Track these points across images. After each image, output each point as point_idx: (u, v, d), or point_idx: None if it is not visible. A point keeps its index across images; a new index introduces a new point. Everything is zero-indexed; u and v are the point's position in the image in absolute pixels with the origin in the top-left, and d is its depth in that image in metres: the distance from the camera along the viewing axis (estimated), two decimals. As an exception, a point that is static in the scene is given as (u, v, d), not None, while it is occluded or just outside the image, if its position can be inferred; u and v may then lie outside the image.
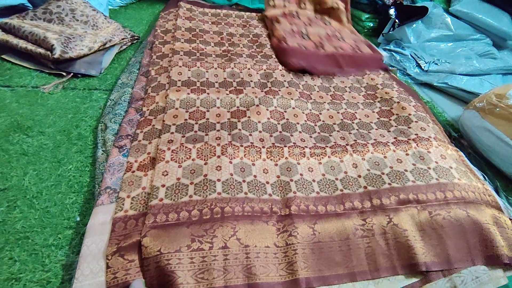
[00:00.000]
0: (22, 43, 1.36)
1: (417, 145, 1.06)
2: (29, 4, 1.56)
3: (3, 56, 1.39)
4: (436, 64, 1.73)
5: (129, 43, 1.65)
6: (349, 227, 0.82)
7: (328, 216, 0.85)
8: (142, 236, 0.71)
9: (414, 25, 1.91)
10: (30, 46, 1.36)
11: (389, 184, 0.93)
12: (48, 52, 1.32)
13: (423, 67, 1.74)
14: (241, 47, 1.58)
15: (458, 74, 1.67)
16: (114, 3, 2.02)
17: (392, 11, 2.02)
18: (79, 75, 1.37)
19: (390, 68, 1.73)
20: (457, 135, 1.35)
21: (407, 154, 1.03)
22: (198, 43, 1.53)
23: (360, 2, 2.25)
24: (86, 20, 1.58)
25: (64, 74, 1.35)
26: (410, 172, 0.97)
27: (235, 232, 0.75)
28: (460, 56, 1.78)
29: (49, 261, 0.74)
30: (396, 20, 1.98)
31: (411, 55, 1.82)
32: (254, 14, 1.94)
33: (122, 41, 1.60)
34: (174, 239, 0.71)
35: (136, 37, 1.69)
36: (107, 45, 1.52)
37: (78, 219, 0.83)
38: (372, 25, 2.18)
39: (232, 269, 0.69)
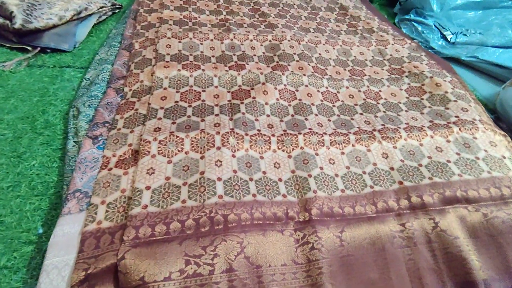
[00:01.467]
0: (-25, 11, 1.12)
1: (459, 129, 0.87)
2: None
3: (-46, 28, 1.16)
4: (465, 35, 1.51)
5: (110, 13, 1.41)
6: (384, 235, 0.66)
7: (357, 221, 0.68)
8: (119, 258, 0.53)
9: (438, -9, 1.67)
10: (-15, 15, 1.12)
11: (430, 178, 0.76)
12: (7, 22, 1.09)
13: (449, 39, 1.52)
14: (241, 16, 1.35)
15: (491, 46, 1.47)
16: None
17: (411, -25, 1.76)
18: (48, 50, 1.14)
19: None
20: (493, 117, 1.17)
21: (448, 141, 0.85)
22: (190, 11, 1.30)
23: (374, -34, 1.98)
24: (57, -16, 1.33)
25: (29, 49, 1.12)
26: (454, 163, 0.79)
27: (243, 248, 0.58)
28: (493, 25, 1.56)
29: (0, 289, 0.56)
30: (417, -15, 1.73)
31: (434, 26, 1.59)
32: None
33: (100, 9, 1.36)
34: (163, 261, 0.53)
35: (118, 6, 1.44)
36: (82, 14, 1.27)
37: (41, 231, 0.65)
38: (388, -8, 1.93)
39: (241, 301, 0.53)
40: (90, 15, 1.31)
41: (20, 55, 1.11)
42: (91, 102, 0.91)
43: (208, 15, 1.32)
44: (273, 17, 1.37)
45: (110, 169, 0.70)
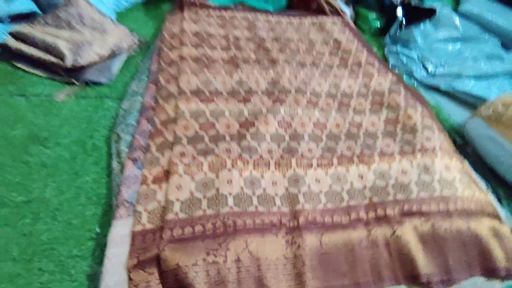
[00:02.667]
0: (34, 51, 1.39)
1: (422, 155, 1.08)
2: (39, 10, 1.58)
3: (15, 64, 1.42)
4: (443, 67, 1.72)
5: (137, 48, 1.67)
6: (354, 239, 0.86)
7: (334, 228, 0.89)
8: (160, 250, 0.76)
9: (422, 26, 1.90)
10: (42, 55, 1.38)
11: (394, 195, 0.97)
12: (60, 61, 1.35)
13: (429, 70, 1.74)
14: (248, 52, 1.59)
15: (465, 77, 1.68)
16: (120, 5, 2.02)
17: (399, 11, 2.00)
18: (90, 83, 1.40)
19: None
20: (462, 142, 1.37)
21: (411, 165, 1.06)
22: (205, 48, 1.55)
23: (367, 1, 2.22)
24: (94, 24, 1.60)
25: (76, 82, 1.38)
26: (414, 184, 1.00)
27: (247, 245, 0.80)
28: (468, 58, 1.77)
29: (74, 271, 0.79)
30: (403, 21, 1.96)
31: (418, 57, 1.81)
32: (259, 15, 1.94)
33: (130, 46, 1.62)
34: (191, 252, 0.76)
35: (143, 42, 1.70)
36: (116, 52, 1.54)
37: (98, 230, 0.88)
38: (378, 25, 2.16)
39: (245, 281, 0.74)
40: (122, 52, 1.58)
41: (68, 87, 1.36)
42: (128, 130, 1.15)
43: (220, 51, 1.56)
44: (275, 53, 1.61)
45: (148, 184, 0.93)
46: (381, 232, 0.88)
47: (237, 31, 1.75)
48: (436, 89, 1.71)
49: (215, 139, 1.08)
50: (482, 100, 1.55)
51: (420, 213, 0.92)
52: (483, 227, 0.89)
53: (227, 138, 1.09)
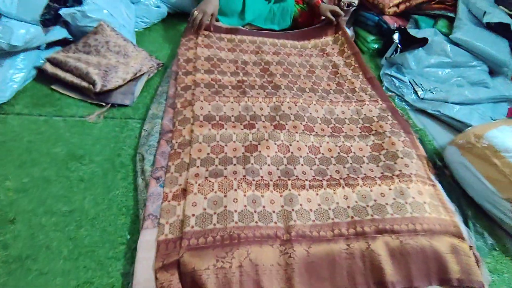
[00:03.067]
0: (69, 77, 1.61)
1: (399, 180, 1.26)
2: (70, 36, 1.80)
3: (52, 87, 1.64)
4: (432, 92, 1.89)
5: (155, 71, 1.87)
6: (335, 250, 1.05)
7: (320, 241, 1.08)
8: (180, 256, 0.97)
9: (415, 51, 2.06)
10: (75, 80, 1.60)
11: (372, 215, 1.16)
12: (91, 86, 1.57)
13: (419, 95, 1.91)
14: (254, 77, 1.78)
15: (451, 103, 1.84)
16: (138, 25, 2.23)
17: (396, 36, 2.16)
18: (116, 105, 1.61)
19: (388, 94, 1.90)
20: (441, 164, 1.55)
21: (389, 189, 1.24)
22: (216, 74, 1.74)
23: (367, 24, 2.39)
24: (118, 50, 1.80)
25: (104, 104, 1.59)
26: (390, 206, 1.18)
27: (248, 254, 1.00)
28: (454, 85, 1.93)
29: (111, 269, 1.01)
30: (399, 45, 2.13)
31: (409, 82, 1.98)
32: (266, 39, 2.12)
33: (149, 69, 1.82)
34: (204, 259, 0.96)
35: (161, 64, 1.91)
36: (137, 75, 1.75)
37: (128, 237, 1.09)
38: (377, 46, 2.33)
39: (246, 283, 0.95)
40: (142, 74, 1.78)
41: (98, 109, 1.57)
42: (151, 150, 1.36)
43: (229, 76, 1.76)
44: (279, 78, 1.80)
45: (169, 201, 1.14)
46: (358, 246, 1.06)
47: (245, 55, 1.93)
48: (424, 112, 1.88)
49: (224, 162, 1.28)
50: (465, 125, 1.72)
51: (392, 231, 1.10)
52: (444, 244, 1.07)
53: (234, 161, 1.29)
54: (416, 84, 1.95)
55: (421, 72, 2.02)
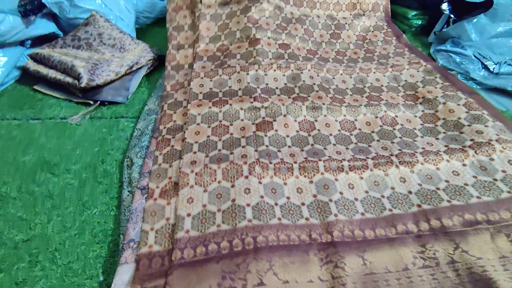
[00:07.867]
0: (51, 73, 1.35)
1: (475, 152, 0.86)
2: (59, 32, 1.56)
3: (34, 87, 1.39)
4: (510, 64, 1.43)
5: (156, 63, 1.58)
6: (405, 255, 0.67)
7: (378, 242, 0.70)
8: (167, 276, 0.61)
9: (475, 20, 1.63)
10: (59, 76, 1.33)
11: (449, 201, 0.76)
12: (76, 81, 1.29)
13: (491, 69, 1.46)
14: (268, 36, 1.41)
15: (541, 76, 1.37)
16: (139, 21, 1.99)
17: (445, 6, 1.74)
18: (106, 103, 1.31)
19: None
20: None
21: (464, 165, 0.85)
22: (223, 40, 1.40)
23: (405, -2, 2.00)
24: (114, 43, 1.54)
25: (91, 102, 1.30)
26: (472, 186, 0.79)
27: (271, 265, 0.63)
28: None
29: (68, 335, 0.64)
30: (451, 16, 1.71)
31: (474, 56, 1.54)
32: None
33: (149, 62, 1.53)
34: (203, 277, 0.61)
35: (163, 56, 1.62)
36: (134, 68, 1.46)
37: (101, 278, 0.73)
38: (420, 22, 1.91)
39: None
40: (140, 68, 1.49)
41: (84, 108, 1.28)
42: (142, 153, 1.02)
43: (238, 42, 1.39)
44: (296, 45, 1.41)
45: (155, 199, 0.81)
46: (440, 247, 0.67)
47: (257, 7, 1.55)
48: (502, 91, 1.42)
49: (229, 145, 0.93)
50: None
51: (488, 222, 0.70)
52: None
53: (243, 142, 0.94)
54: (484, 57, 1.50)
55: (488, 43, 1.58)
